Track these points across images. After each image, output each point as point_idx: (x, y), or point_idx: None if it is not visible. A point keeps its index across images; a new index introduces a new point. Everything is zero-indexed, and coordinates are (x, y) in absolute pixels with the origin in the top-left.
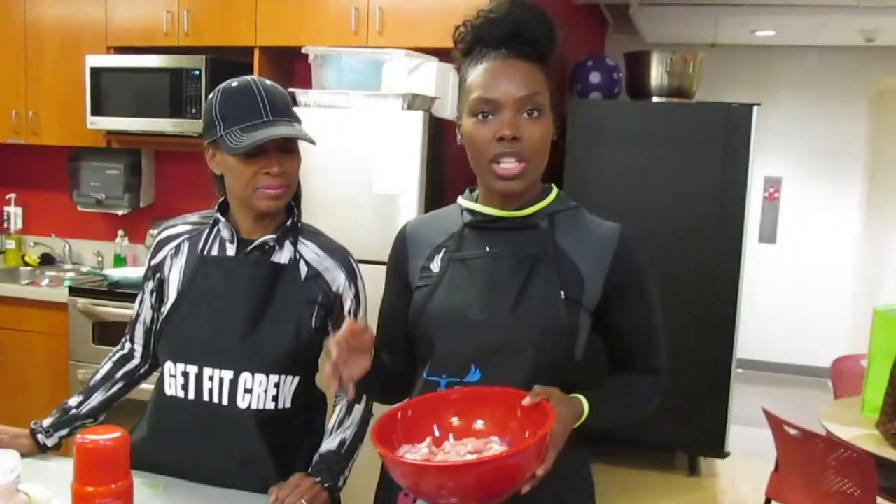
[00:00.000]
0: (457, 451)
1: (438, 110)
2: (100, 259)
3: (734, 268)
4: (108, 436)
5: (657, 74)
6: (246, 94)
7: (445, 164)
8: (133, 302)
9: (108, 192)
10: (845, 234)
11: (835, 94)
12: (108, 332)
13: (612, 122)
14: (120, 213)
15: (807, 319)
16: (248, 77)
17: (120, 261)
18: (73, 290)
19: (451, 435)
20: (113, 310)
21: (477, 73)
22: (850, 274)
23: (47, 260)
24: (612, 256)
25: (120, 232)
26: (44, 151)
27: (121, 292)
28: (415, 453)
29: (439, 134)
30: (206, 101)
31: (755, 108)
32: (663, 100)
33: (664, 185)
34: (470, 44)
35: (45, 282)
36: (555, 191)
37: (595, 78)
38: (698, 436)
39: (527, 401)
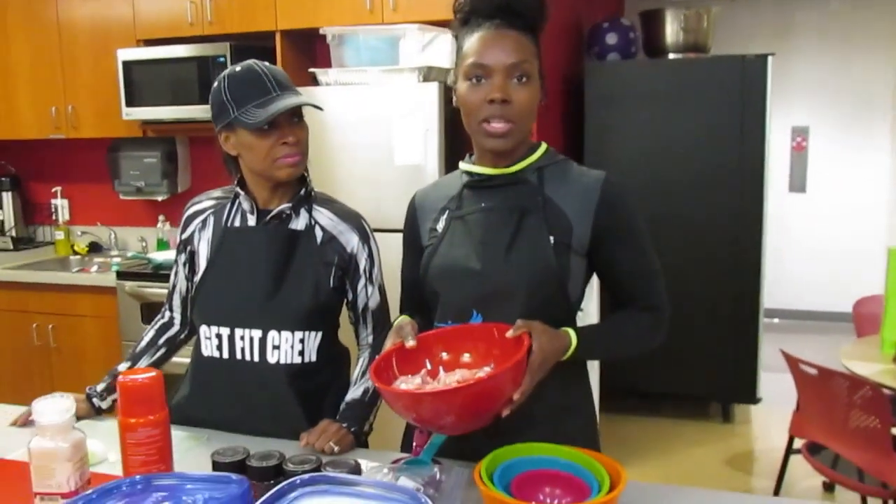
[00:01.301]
0: (445, 382)
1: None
2: (143, 244)
3: (757, 218)
4: (144, 375)
5: (672, 31)
6: (252, 75)
7: (463, 131)
8: None
9: (147, 180)
10: (876, 180)
11: (859, 39)
12: (156, 312)
13: (630, 82)
14: (159, 199)
15: (841, 266)
16: (249, 61)
17: (162, 244)
18: (121, 275)
19: (440, 368)
20: (158, 290)
21: (472, 41)
22: (882, 219)
23: (95, 248)
24: (597, 200)
25: (160, 217)
26: (84, 144)
27: (165, 274)
28: (409, 384)
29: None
30: (212, 90)
31: (769, 58)
32: (679, 56)
33: (684, 141)
34: (467, 14)
35: (94, 268)
36: (543, 147)
37: (612, 39)
38: (730, 384)
39: (510, 333)
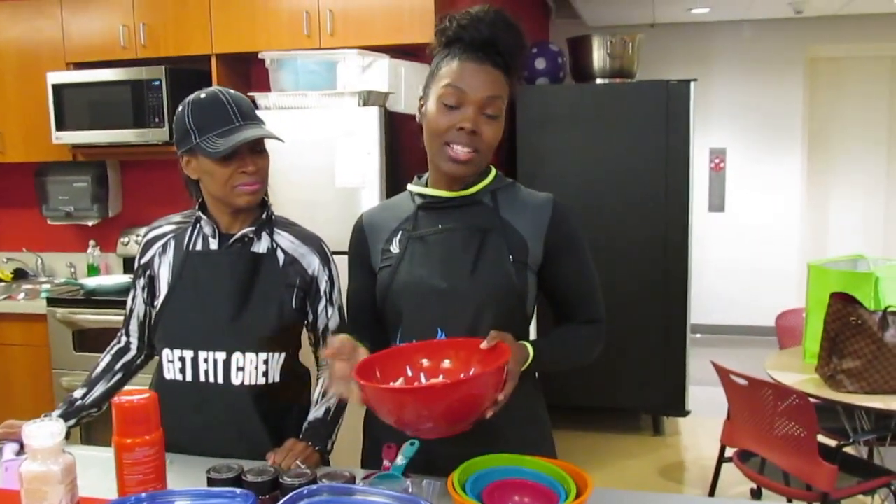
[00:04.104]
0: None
1: (392, 105)
2: (72, 270)
3: (682, 237)
4: (140, 396)
5: (599, 57)
6: (216, 103)
7: (402, 155)
8: (111, 308)
9: (77, 205)
10: (788, 197)
11: (771, 65)
12: (89, 339)
13: (559, 106)
14: (89, 223)
15: (758, 282)
16: (214, 88)
17: (93, 270)
18: (51, 301)
19: (422, 374)
20: (91, 317)
21: (453, 65)
22: (796, 235)
23: (20, 275)
24: (548, 221)
25: (91, 242)
26: (10, 169)
27: (98, 300)
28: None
29: (395, 127)
30: (176, 114)
31: (692, 83)
32: (606, 81)
33: (612, 163)
34: (451, 39)
35: (22, 295)
36: (493, 171)
37: (541, 64)
38: (660, 398)
39: (484, 344)
